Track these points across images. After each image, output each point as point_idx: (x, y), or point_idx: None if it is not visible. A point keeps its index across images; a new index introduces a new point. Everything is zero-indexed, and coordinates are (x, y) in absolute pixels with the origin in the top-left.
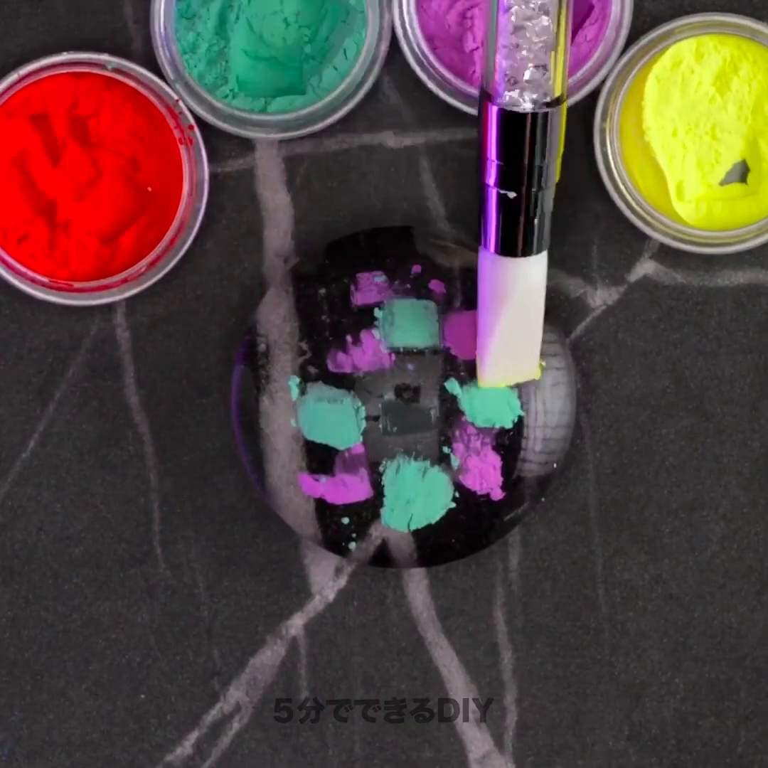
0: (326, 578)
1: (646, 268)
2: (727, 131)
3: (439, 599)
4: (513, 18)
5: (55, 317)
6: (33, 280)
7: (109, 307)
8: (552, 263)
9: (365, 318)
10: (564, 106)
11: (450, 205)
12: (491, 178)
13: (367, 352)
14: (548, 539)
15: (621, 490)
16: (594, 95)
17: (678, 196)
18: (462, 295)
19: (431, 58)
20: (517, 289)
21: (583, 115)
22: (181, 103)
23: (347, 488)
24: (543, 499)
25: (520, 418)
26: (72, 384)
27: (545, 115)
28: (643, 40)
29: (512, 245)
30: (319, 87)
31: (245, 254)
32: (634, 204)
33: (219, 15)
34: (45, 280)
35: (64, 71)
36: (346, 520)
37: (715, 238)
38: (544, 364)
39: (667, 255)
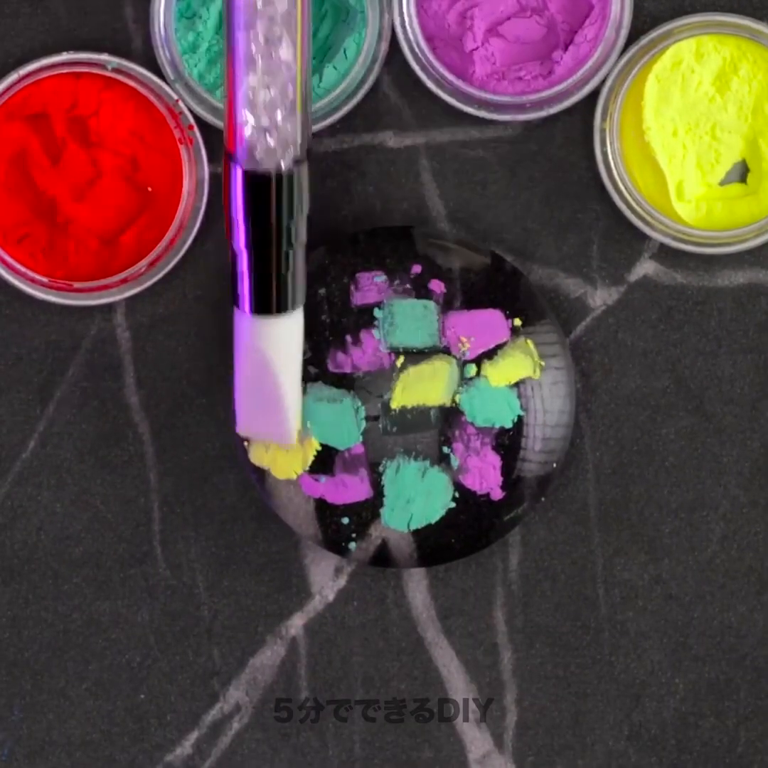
0: (326, 578)
1: (646, 268)
2: (727, 131)
3: (439, 599)
4: (248, 85)
5: (55, 317)
6: (33, 280)
7: (109, 307)
8: (552, 263)
9: (365, 318)
10: (305, 166)
11: (450, 205)
12: (239, 240)
13: (367, 352)
14: (548, 539)
15: (621, 490)
16: (594, 95)
17: (678, 196)
18: (462, 295)
19: (431, 58)
20: (269, 347)
21: (583, 115)
22: (181, 103)
23: (347, 488)
24: (543, 499)
25: (520, 417)
26: (72, 384)
27: (290, 175)
28: (643, 40)
29: (262, 304)
30: (319, 87)
31: None
32: (634, 204)
33: (219, 14)
34: (44, 280)
35: (64, 71)
36: (346, 520)
37: (715, 238)
38: (543, 364)
39: (667, 255)
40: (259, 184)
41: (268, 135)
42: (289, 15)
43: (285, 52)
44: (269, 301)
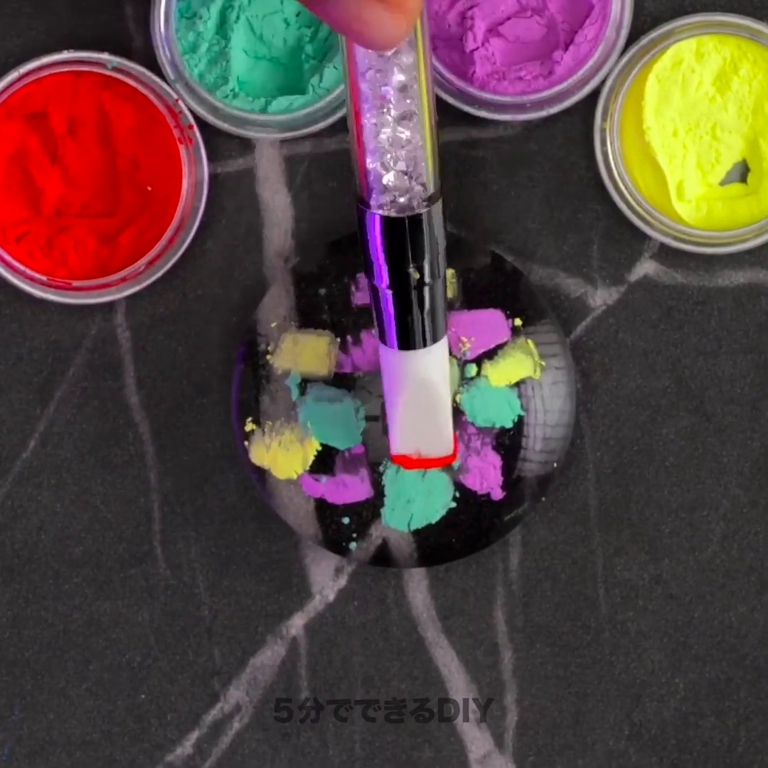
0: (326, 578)
1: (646, 268)
2: (728, 131)
3: (439, 599)
4: (375, 131)
5: (55, 317)
6: (31, 279)
7: (110, 307)
8: (552, 263)
9: (365, 318)
10: (439, 203)
11: (450, 205)
12: (381, 280)
13: (367, 352)
14: (548, 539)
15: (621, 490)
16: (594, 95)
17: (678, 196)
18: (462, 295)
19: (431, 58)
20: (417, 379)
21: (583, 115)
22: (181, 103)
23: (347, 488)
24: (543, 499)
25: (520, 417)
26: (72, 384)
27: (425, 214)
28: (643, 40)
29: (407, 340)
30: (319, 87)
31: (245, 254)
32: (634, 204)
33: (219, 15)
34: (43, 278)
35: (64, 70)
36: (346, 520)
37: (715, 238)
38: (543, 363)
39: (667, 255)
40: (392, 227)
41: (400, 179)
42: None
43: (411, 94)
44: (415, 338)
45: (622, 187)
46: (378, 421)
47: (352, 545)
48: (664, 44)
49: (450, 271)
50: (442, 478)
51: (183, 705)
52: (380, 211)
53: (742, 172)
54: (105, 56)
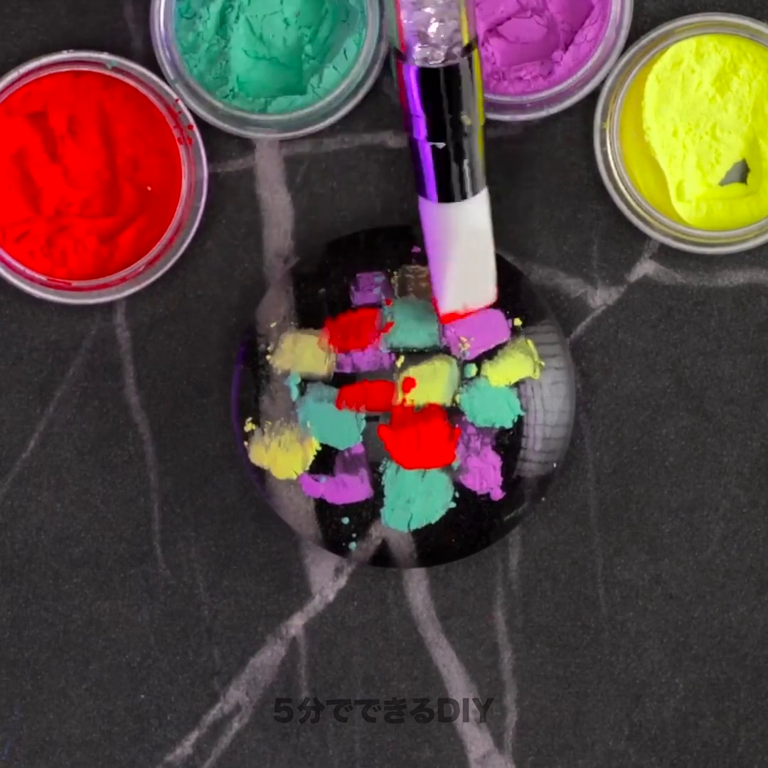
0: (326, 578)
1: (646, 268)
2: (727, 131)
3: (439, 599)
4: None
5: (55, 317)
6: (31, 279)
7: (109, 307)
8: (552, 263)
9: None
10: (476, 52)
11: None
12: (419, 132)
13: (367, 352)
14: (548, 539)
15: (621, 490)
16: (594, 95)
17: (678, 196)
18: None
19: None
20: (461, 232)
21: (583, 115)
22: (180, 103)
23: (347, 488)
24: (543, 499)
25: (520, 417)
26: (72, 384)
27: (458, 65)
28: (643, 40)
29: (448, 192)
30: (319, 87)
31: (245, 254)
32: (634, 204)
33: (219, 15)
34: (43, 278)
35: (64, 70)
36: (346, 520)
37: (715, 238)
38: (543, 363)
39: (667, 255)
40: (429, 79)
41: (434, 29)
42: None
43: None
44: (458, 189)
45: (622, 187)
46: (378, 421)
47: (352, 545)
48: (664, 44)
49: None
50: (442, 478)
51: (183, 705)
52: (417, 63)
53: (741, 172)
54: (105, 56)
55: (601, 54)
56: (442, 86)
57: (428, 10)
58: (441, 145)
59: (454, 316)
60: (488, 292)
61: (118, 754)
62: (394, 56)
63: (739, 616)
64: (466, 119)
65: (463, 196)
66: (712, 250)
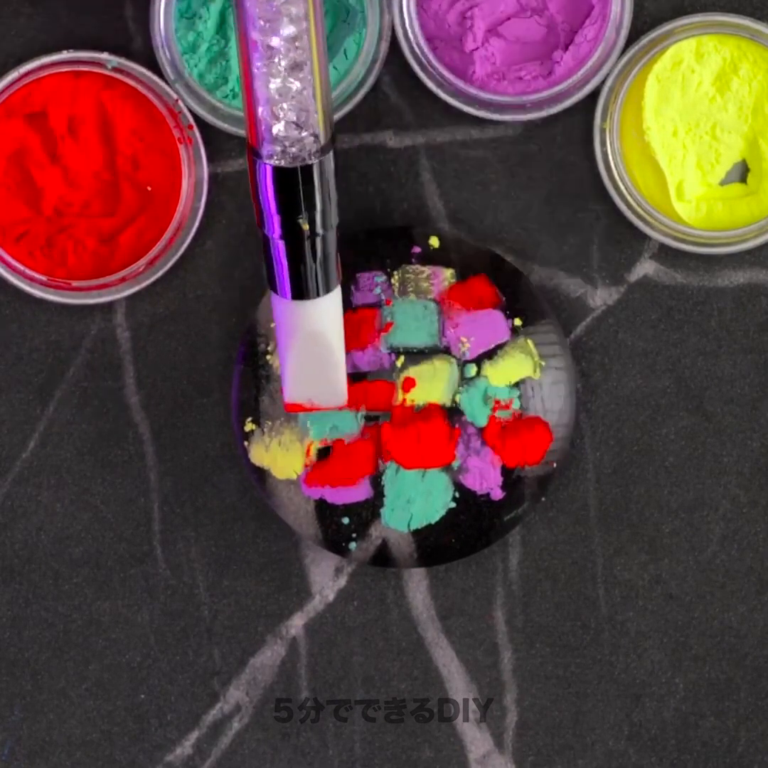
0: (326, 578)
1: (646, 268)
2: (727, 131)
3: (439, 599)
4: (266, 80)
5: (55, 317)
6: (31, 279)
7: (109, 307)
8: (552, 263)
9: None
10: (331, 153)
11: (450, 205)
12: (273, 230)
13: (367, 352)
14: (548, 539)
15: (621, 490)
16: (594, 95)
17: (678, 196)
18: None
19: (431, 57)
20: (305, 330)
21: (583, 115)
22: (180, 103)
23: (347, 488)
24: (543, 499)
25: None
26: (72, 384)
27: (317, 164)
28: (643, 40)
29: (299, 290)
30: None
31: (245, 254)
32: (634, 204)
33: (219, 15)
34: (43, 278)
35: (64, 70)
36: (346, 520)
37: (715, 238)
38: (543, 363)
39: (667, 255)
40: (284, 178)
41: (290, 129)
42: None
43: (301, 45)
44: (307, 288)
45: (622, 187)
46: (378, 421)
47: (352, 545)
48: (663, 44)
49: (449, 271)
50: (442, 478)
51: (183, 705)
52: (271, 161)
53: (741, 172)
54: (105, 56)
55: (601, 54)
56: (297, 186)
57: (284, 108)
58: (294, 243)
59: (299, 407)
60: (337, 394)
61: (118, 754)
62: (248, 152)
63: (739, 616)
64: (318, 220)
65: (314, 295)
66: (712, 250)
